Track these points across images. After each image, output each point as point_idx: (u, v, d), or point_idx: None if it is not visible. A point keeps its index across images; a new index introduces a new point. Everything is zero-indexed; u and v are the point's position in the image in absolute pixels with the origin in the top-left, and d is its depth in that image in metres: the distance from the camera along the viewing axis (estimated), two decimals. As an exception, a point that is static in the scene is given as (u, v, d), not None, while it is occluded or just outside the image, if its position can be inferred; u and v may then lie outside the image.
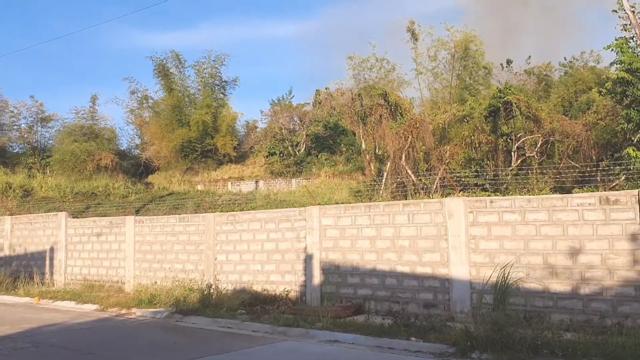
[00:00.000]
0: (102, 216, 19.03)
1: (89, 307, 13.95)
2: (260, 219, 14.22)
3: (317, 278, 12.85)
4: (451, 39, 29.69)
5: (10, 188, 29.13)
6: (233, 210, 16.76)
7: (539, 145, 18.79)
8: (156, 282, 14.86)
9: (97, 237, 17.49)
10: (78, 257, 18.02)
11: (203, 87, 41.47)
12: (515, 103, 18.69)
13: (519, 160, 18.95)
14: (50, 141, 44.25)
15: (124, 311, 13.13)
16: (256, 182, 35.52)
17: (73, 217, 19.05)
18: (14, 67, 74.41)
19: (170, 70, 41.16)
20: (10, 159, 40.09)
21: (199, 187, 33.96)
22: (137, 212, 19.34)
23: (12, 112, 43.75)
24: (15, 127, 44.22)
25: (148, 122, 42.29)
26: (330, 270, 12.70)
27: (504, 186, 17.29)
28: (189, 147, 38.20)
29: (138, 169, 40.33)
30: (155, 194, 28.24)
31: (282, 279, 13.52)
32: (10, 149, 43.36)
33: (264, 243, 13.97)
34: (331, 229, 12.81)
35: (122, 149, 43.17)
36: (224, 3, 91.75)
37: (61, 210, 19.56)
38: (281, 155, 37.19)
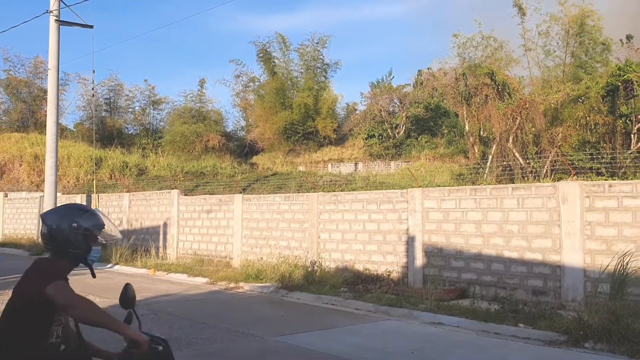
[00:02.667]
0: (211, 194, 19.93)
1: (200, 280, 14.73)
2: (361, 200, 14.31)
3: (419, 260, 12.77)
4: (564, 14, 27.98)
5: (127, 167, 31.16)
6: (334, 191, 16.97)
7: (662, 127, 17.41)
8: (262, 258, 15.43)
9: (207, 214, 18.38)
10: (189, 233, 19.06)
11: (305, 70, 42.00)
12: (637, 81, 17.37)
13: (639, 143, 17.65)
14: (162, 123, 46.82)
15: (232, 285, 13.75)
16: (355, 164, 35.66)
17: (184, 195, 20.13)
18: (130, 53, 79.34)
19: (273, 54, 42.04)
20: (126, 140, 42.88)
21: (301, 168, 34.64)
22: (243, 190, 20.08)
23: (127, 95, 46.65)
24: (130, 109, 47.14)
25: (253, 105, 43.57)
26: (433, 252, 12.57)
27: (622, 170, 16.19)
28: (291, 129, 38.97)
29: (243, 149, 41.81)
30: (259, 173, 29.13)
31: (383, 259, 13.56)
32: (126, 130, 46.31)
33: (366, 223, 14.05)
34: (434, 211, 12.65)
35: (228, 130, 44.82)
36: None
37: (173, 188, 20.69)
38: (380, 137, 37.00)
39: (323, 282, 12.48)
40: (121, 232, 20.53)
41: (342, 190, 17.54)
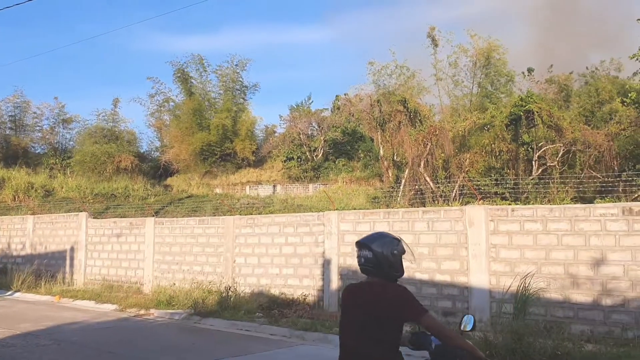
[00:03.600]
0: (122, 217, 19.22)
1: (108, 307, 14.10)
2: (278, 223, 14.27)
3: (334, 283, 12.86)
4: (473, 46, 29.62)
5: (32, 188, 29.49)
6: (251, 214, 16.83)
7: (560, 155, 18.57)
8: (175, 284, 14.97)
9: (117, 238, 17.67)
10: (98, 257, 18.23)
11: (224, 92, 41.69)
12: (537, 112, 18.51)
13: (540, 170, 18.76)
14: (71, 142, 44.72)
15: (142, 312, 13.25)
16: (274, 186, 35.62)
17: (93, 218, 19.29)
18: (38, 69, 75.61)
19: (191, 75, 41.48)
20: (32, 159, 40.66)
21: (218, 191, 34.13)
22: (156, 213, 19.50)
23: (35, 113, 44.31)
24: (38, 127, 44.81)
25: (168, 125, 42.63)
26: (348, 275, 12.69)
27: (524, 195, 17.13)
28: (209, 150, 38.42)
29: (157, 171, 40.63)
30: (174, 196, 28.42)
31: (300, 283, 13.54)
32: (33, 149, 43.94)
33: (282, 247, 14.01)
34: (349, 234, 12.82)
35: (142, 151, 43.47)
36: (244, 9, 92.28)
37: (82, 211, 19.79)
38: (299, 160, 37.29)
39: (238, 307, 12.28)
40: (24, 256, 19.42)
41: (259, 213, 17.43)
